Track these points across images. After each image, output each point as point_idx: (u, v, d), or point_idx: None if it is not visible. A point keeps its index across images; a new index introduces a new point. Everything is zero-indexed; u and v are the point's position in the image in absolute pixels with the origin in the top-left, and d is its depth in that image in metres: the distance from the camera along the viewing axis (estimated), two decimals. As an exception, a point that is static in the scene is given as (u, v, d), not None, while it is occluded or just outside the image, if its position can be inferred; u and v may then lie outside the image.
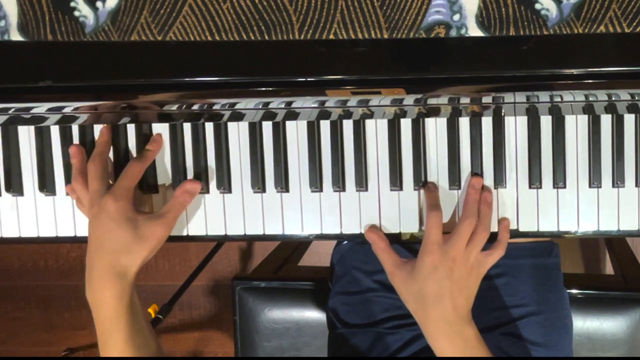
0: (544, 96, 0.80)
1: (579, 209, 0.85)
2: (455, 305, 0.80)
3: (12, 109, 0.84)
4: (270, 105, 0.83)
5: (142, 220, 0.82)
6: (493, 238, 0.84)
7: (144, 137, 0.88)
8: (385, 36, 0.74)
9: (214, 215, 0.89)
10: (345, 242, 1.08)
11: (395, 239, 0.88)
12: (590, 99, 0.81)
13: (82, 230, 0.90)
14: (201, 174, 0.88)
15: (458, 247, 0.80)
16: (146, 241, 0.81)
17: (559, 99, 0.81)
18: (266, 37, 0.74)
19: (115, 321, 0.81)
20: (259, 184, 0.87)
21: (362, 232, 0.88)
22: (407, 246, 1.03)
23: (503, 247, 0.84)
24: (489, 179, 0.85)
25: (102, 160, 0.85)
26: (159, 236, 0.82)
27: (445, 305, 0.79)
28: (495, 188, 0.86)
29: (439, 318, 0.80)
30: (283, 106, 0.84)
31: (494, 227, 0.85)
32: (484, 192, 0.84)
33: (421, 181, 0.86)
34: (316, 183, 0.87)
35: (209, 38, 0.75)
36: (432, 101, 0.81)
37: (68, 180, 0.89)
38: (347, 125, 0.86)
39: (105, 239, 0.81)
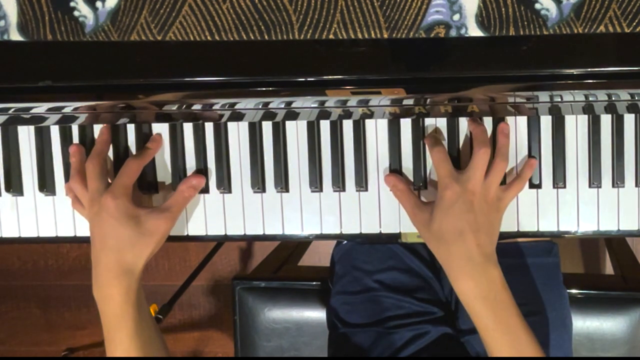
0: (544, 96, 0.80)
1: (579, 209, 0.85)
2: (479, 242, 0.76)
3: (12, 109, 0.84)
4: (270, 105, 0.83)
5: (144, 216, 0.82)
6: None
7: (144, 137, 0.88)
8: (385, 36, 0.74)
9: (214, 215, 0.89)
10: (345, 242, 1.08)
11: (395, 240, 0.88)
12: (590, 99, 0.81)
13: (82, 230, 0.90)
14: (201, 174, 0.87)
15: (476, 178, 0.78)
16: (150, 236, 0.81)
17: (559, 99, 0.81)
18: (266, 37, 0.74)
19: (121, 318, 0.81)
20: (259, 184, 0.87)
21: (362, 232, 0.88)
22: (407, 246, 1.03)
23: (523, 182, 0.82)
24: (489, 179, 0.85)
25: (101, 159, 0.85)
26: (162, 230, 0.82)
27: (467, 241, 0.76)
28: (495, 188, 0.85)
29: (462, 255, 0.77)
30: (283, 106, 0.83)
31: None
32: (501, 124, 0.82)
33: (421, 181, 0.86)
34: (316, 183, 0.87)
35: (209, 38, 0.75)
36: (432, 101, 0.81)
37: (68, 180, 0.89)
38: (347, 125, 0.86)
39: (109, 237, 0.81)
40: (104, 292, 0.81)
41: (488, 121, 0.85)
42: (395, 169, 0.86)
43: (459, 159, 0.85)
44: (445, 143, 0.84)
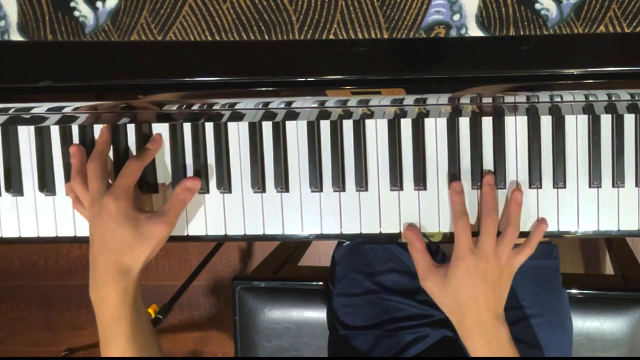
0: (544, 96, 0.80)
1: (579, 209, 0.85)
2: (489, 306, 0.81)
3: (12, 109, 0.84)
4: (270, 105, 0.83)
5: (143, 219, 0.82)
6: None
7: (144, 137, 0.88)
8: (385, 36, 0.74)
9: (214, 215, 0.89)
10: (346, 243, 1.08)
11: (395, 240, 0.88)
12: (590, 99, 0.81)
13: (82, 230, 0.90)
14: (201, 174, 0.88)
15: (488, 247, 0.81)
16: (148, 240, 0.81)
17: (559, 99, 0.81)
18: (266, 37, 0.74)
19: (118, 320, 0.80)
20: (259, 184, 0.87)
21: (362, 232, 0.88)
22: (407, 248, 1.03)
23: (533, 246, 0.84)
24: (489, 179, 0.85)
25: (102, 160, 0.85)
26: (160, 235, 0.82)
27: (480, 306, 0.81)
28: (495, 188, 0.85)
29: (475, 319, 0.82)
30: (283, 106, 0.83)
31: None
32: (515, 191, 0.84)
33: (421, 181, 0.86)
34: (316, 183, 0.87)
35: (209, 38, 0.75)
36: (432, 101, 0.81)
37: (68, 180, 0.89)
38: (347, 125, 0.86)
39: (108, 239, 0.81)
40: (101, 293, 0.81)
41: (488, 121, 0.85)
42: (395, 169, 0.86)
43: (459, 159, 0.85)
44: (464, 190, 0.85)
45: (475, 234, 0.84)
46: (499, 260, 0.82)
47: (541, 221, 0.86)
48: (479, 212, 0.85)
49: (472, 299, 0.81)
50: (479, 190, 0.86)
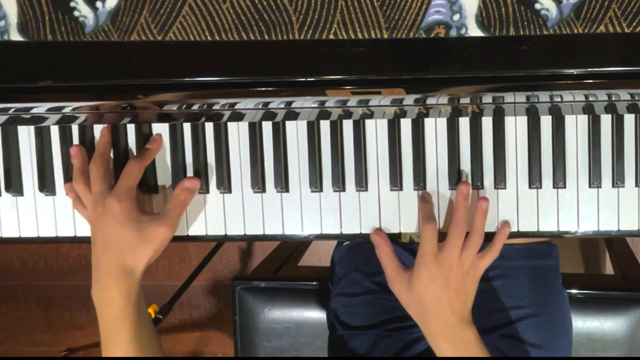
0: (544, 96, 0.80)
1: (579, 209, 0.85)
2: (454, 310, 0.81)
3: (12, 109, 0.84)
4: (270, 105, 0.83)
5: (146, 221, 0.82)
6: (488, 238, 0.85)
7: (144, 137, 0.88)
8: (385, 36, 0.74)
9: (214, 215, 0.89)
10: (346, 243, 1.08)
11: (394, 240, 0.88)
12: (590, 99, 0.81)
13: (82, 230, 0.90)
14: (201, 174, 0.88)
15: (452, 256, 0.81)
16: (151, 242, 0.82)
17: (559, 99, 0.81)
18: (266, 37, 0.74)
19: (121, 321, 0.80)
20: (259, 184, 0.87)
21: (362, 232, 0.88)
22: (407, 247, 1.03)
23: (497, 250, 0.84)
24: (488, 179, 0.85)
25: (104, 161, 0.85)
26: (163, 237, 0.82)
27: (444, 311, 0.81)
28: (495, 188, 0.86)
29: (440, 323, 0.82)
30: (283, 106, 0.84)
31: (493, 227, 0.85)
32: (480, 201, 0.84)
33: (421, 181, 0.86)
34: (316, 183, 0.87)
35: (209, 38, 0.75)
36: (432, 101, 0.81)
37: (68, 179, 0.89)
38: (347, 125, 0.86)
39: (111, 240, 0.81)
40: (104, 294, 0.81)
41: (488, 121, 0.85)
42: (395, 169, 0.86)
43: (459, 159, 0.85)
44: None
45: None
46: (462, 267, 0.82)
47: (504, 224, 0.86)
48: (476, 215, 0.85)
49: (436, 304, 0.81)
50: (478, 191, 0.86)
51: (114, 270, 0.80)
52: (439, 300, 0.81)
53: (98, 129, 0.88)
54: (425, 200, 0.86)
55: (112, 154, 0.88)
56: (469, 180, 0.85)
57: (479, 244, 0.83)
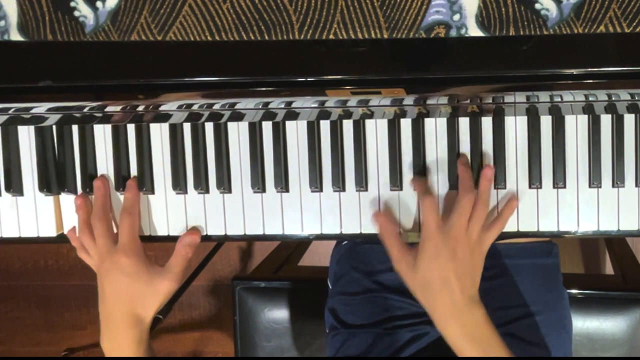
0: (544, 96, 0.80)
1: (579, 209, 0.85)
2: (463, 287, 0.79)
3: (12, 109, 0.84)
4: (270, 105, 0.83)
5: (153, 274, 0.85)
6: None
7: (144, 137, 0.88)
8: (385, 36, 0.74)
9: (214, 215, 0.89)
10: (345, 242, 1.08)
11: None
12: (590, 99, 0.81)
13: (82, 230, 0.90)
14: (201, 174, 0.88)
15: (459, 226, 0.79)
16: (158, 295, 0.85)
17: (559, 99, 0.81)
18: (266, 37, 0.74)
19: None
20: (259, 184, 0.87)
21: (362, 232, 0.88)
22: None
23: (503, 222, 0.83)
24: (489, 179, 0.85)
25: (106, 215, 0.87)
26: (169, 290, 0.86)
27: (452, 288, 0.78)
28: (495, 188, 0.85)
29: (447, 302, 0.79)
30: (283, 106, 0.84)
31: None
32: (485, 167, 0.83)
33: (421, 181, 0.86)
34: (316, 183, 0.87)
35: (209, 38, 0.75)
36: (432, 101, 0.81)
37: (67, 180, 0.89)
38: (347, 125, 0.86)
39: (122, 292, 0.84)
40: (116, 343, 0.85)
41: (488, 121, 0.85)
42: (395, 169, 0.86)
43: (458, 158, 0.85)
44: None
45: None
46: (470, 239, 0.79)
47: (511, 198, 0.84)
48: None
49: (443, 280, 0.78)
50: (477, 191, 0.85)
51: (125, 320, 0.84)
52: (445, 276, 0.78)
53: (98, 129, 0.88)
54: (416, 179, 0.84)
55: (112, 155, 0.88)
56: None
57: (484, 213, 0.81)
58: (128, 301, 0.84)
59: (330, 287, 1.09)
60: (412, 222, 0.87)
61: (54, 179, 0.89)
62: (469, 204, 0.80)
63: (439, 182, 0.86)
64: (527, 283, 0.98)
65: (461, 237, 0.79)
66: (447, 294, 0.79)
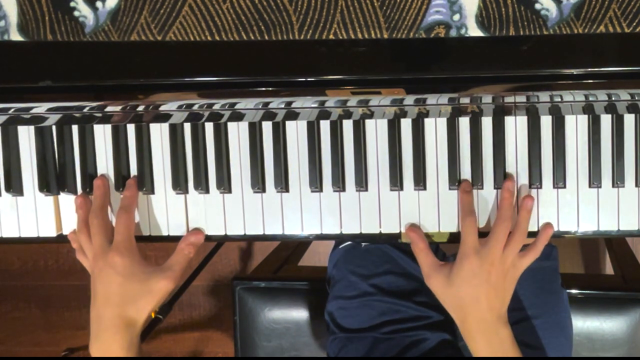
0: (544, 96, 0.80)
1: (579, 209, 0.85)
2: (492, 307, 0.81)
3: (12, 109, 0.84)
4: (270, 105, 0.83)
5: (148, 274, 0.83)
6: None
7: (144, 137, 0.88)
8: (385, 36, 0.74)
9: (214, 215, 0.89)
10: (342, 246, 1.07)
11: (395, 240, 0.88)
12: (590, 99, 0.81)
13: (82, 230, 0.90)
14: (201, 174, 0.88)
15: (495, 252, 0.81)
16: (153, 294, 0.83)
17: (559, 99, 0.81)
18: (266, 37, 0.74)
19: None
20: (259, 184, 0.87)
21: (362, 232, 0.88)
22: (403, 250, 1.03)
23: (538, 251, 0.84)
24: (488, 179, 0.85)
25: (103, 214, 0.86)
26: (165, 289, 0.83)
27: (482, 306, 0.81)
28: (495, 188, 0.86)
29: (477, 319, 0.81)
30: (283, 106, 0.84)
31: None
32: (526, 198, 0.84)
33: (421, 181, 0.86)
34: (316, 183, 0.87)
35: (209, 38, 0.75)
36: (432, 101, 0.81)
37: (67, 180, 0.89)
38: (347, 125, 0.86)
39: (113, 293, 0.82)
40: (105, 347, 0.82)
41: (488, 121, 0.85)
42: (395, 169, 0.86)
43: (459, 159, 0.85)
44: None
45: (482, 234, 0.83)
46: (504, 265, 0.81)
47: (547, 225, 0.85)
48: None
49: (474, 299, 0.81)
50: (478, 191, 0.86)
51: (115, 323, 0.81)
52: (477, 296, 0.81)
53: (98, 129, 0.88)
54: (466, 192, 0.85)
55: (112, 155, 0.88)
56: (470, 180, 0.85)
57: (521, 242, 0.83)
58: (119, 302, 0.82)
59: (328, 290, 1.09)
60: (412, 222, 0.87)
61: (53, 179, 0.90)
62: (505, 232, 0.82)
63: (439, 182, 0.86)
64: (526, 286, 0.98)
65: (497, 262, 0.81)
66: (477, 311, 0.81)
